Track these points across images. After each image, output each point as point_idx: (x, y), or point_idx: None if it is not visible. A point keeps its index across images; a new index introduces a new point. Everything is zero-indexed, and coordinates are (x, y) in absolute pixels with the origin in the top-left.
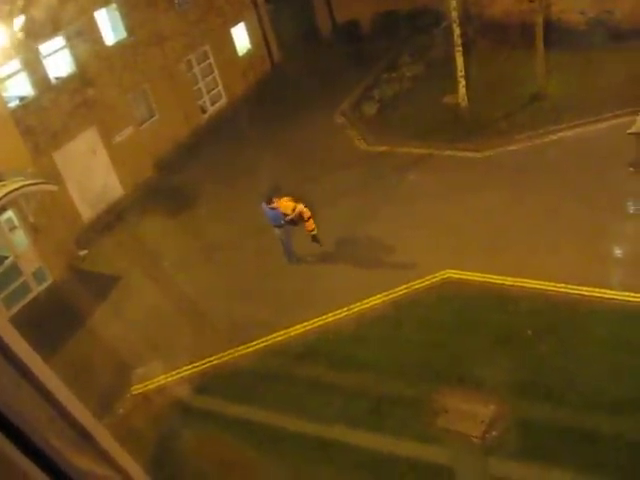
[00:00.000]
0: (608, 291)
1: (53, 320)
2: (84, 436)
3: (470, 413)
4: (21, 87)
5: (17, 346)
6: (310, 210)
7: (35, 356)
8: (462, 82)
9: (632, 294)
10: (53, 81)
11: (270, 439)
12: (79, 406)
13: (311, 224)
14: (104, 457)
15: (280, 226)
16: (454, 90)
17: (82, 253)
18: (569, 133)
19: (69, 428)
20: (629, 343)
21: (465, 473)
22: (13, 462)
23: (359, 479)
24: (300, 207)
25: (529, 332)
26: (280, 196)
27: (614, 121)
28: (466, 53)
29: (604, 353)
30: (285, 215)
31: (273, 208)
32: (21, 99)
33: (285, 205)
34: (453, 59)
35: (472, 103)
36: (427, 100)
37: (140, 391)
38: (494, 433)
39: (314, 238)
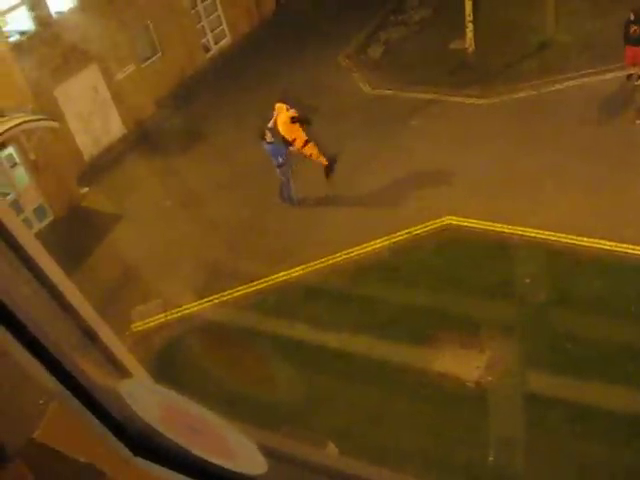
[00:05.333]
0: (608, 242)
1: (54, 257)
2: (89, 336)
3: (466, 358)
4: (21, 22)
5: (25, 240)
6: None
7: (44, 253)
8: (470, 27)
9: (631, 246)
10: (54, 16)
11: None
12: (84, 304)
13: (309, 149)
14: (109, 358)
15: (281, 166)
16: (462, 35)
17: (83, 191)
18: (577, 82)
19: (74, 327)
20: (627, 294)
21: None
22: (18, 361)
23: None
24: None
25: (527, 280)
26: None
27: (623, 72)
28: None
29: (602, 303)
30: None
31: (270, 142)
32: (21, 34)
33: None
34: (462, 3)
35: (479, 49)
36: (434, 45)
37: (140, 328)
38: (489, 379)
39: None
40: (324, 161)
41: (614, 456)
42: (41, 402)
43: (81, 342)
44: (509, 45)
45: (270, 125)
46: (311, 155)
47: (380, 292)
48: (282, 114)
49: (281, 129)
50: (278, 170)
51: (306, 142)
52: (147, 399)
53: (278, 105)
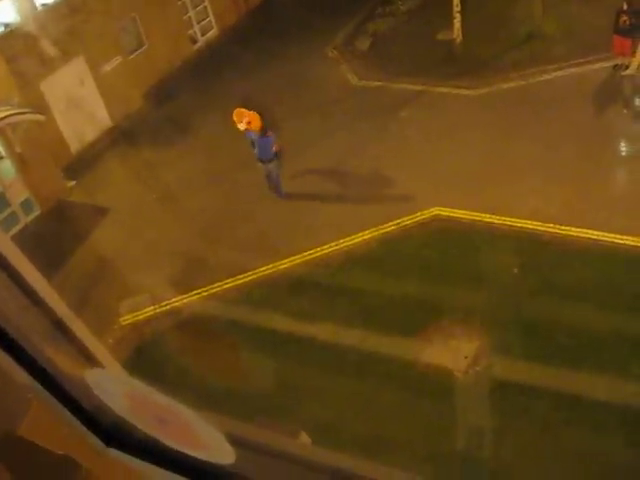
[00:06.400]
0: (596, 232)
1: (41, 251)
2: (59, 328)
3: (454, 348)
4: (6, 13)
5: None
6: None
7: (11, 245)
8: (458, 18)
9: (619, 235)
10: (39, 8)
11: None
12: (53, 295)
13: None
14: (79, 350)
15: (271, 160)
16: (449, 26)
17: (70, 184)
18: (565, 72)
19: (44, 319)
20: (613, 283)
21: None
22: None
23: None
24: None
25: (515, 270)
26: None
27: (610, 62)
28: None
29: (590, 292)
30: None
31: (267, 135)
32: (6, 26)
33: (257, 119)
34: None
35: (467, 40)
36: (421, 36)
37: (129, 321)
38: (477, 368)
39: None
40: None
41: (602, 443)
42: (30, 395)
43: (51, 334)
44: (497, 36)
45: (244, 127)
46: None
47: (369, 283)
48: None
49: (257, 122)
50: (269, 164)
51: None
52: (114, 389)
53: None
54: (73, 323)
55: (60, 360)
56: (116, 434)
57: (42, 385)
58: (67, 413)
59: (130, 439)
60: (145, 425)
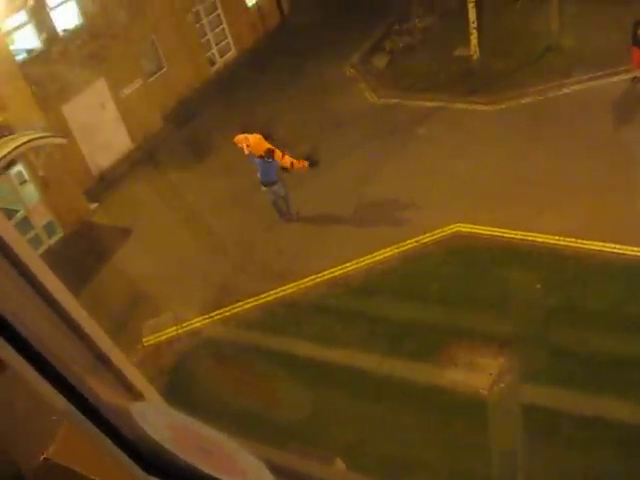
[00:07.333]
0: (618, 246)
1: (64, 273)
2: (101, 359)
3: (478, 366)
4: (28, 40)
5: (34, 265)
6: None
7: (53, 277)
8: (474, 34)
9: None
10: (61, 33)
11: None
12: (95, 327)
13: (299, 163)
14: (120, 380)
15: (277, 182)
16: (466, 42)
17: (92, 206)
18: (583, 86)
19: (86, 350)
20: (638, 298)
21: None
22: (32, 385)
23: None
24: (287, 159)
25: (538, 286)
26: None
27: (629, 74)
28: (479, 4)
29: (614, 309)
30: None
31: (271, 159)
32: (29, 52)
33: (259, 144)
34: (466, 10)
35: (484, 56)
36: (439, 52)
37: (152, 342)
38: (502, 385)
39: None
40: (305, 164)
41: (624, 465)
42: (54, 418)
43: (93, 364)
44: (514, 51)
45: (247, 152)
46: (292, 164)
47: (390, 302)
48: (251, 139)
49: (259, 147)
50: (274, 187)
51: (283, 153)
52: (158, 420)
53: (244, 137)
54: (113, 353)
55: (101, 389)
56: (157, 462)
57: (83, 414)
58: (107, 441)
59: (171, 467)
60: (187, 454)
